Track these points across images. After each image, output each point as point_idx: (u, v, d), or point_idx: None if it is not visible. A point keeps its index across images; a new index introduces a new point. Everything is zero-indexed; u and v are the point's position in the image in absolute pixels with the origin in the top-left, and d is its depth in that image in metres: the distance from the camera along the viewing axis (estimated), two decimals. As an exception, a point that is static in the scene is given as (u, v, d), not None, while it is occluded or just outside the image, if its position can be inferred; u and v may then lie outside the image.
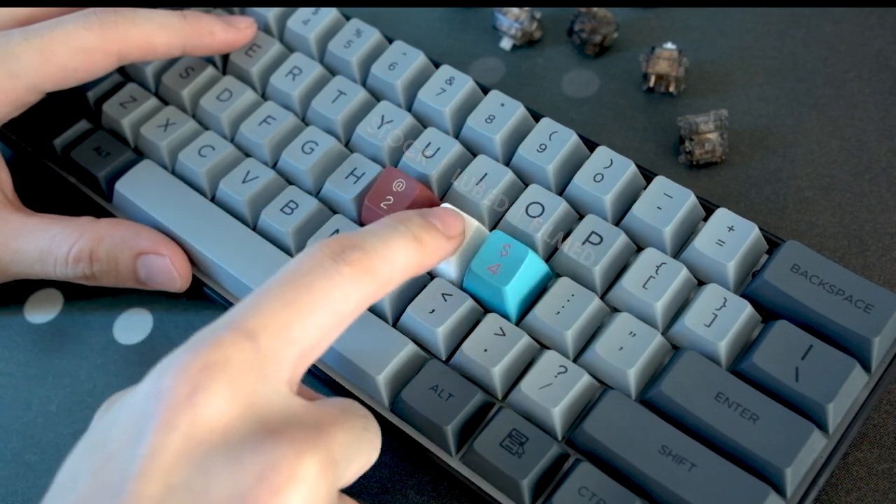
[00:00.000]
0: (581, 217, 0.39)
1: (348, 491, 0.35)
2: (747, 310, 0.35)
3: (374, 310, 0.38)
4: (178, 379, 0.27)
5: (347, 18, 0.47)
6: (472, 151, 0.41)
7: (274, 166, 0.43)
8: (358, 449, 0.30)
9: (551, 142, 0.40)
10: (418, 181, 0.39)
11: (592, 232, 0.38)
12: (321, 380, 0.38)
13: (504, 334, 0.36)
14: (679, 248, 0.38)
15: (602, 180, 0.39)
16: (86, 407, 0.41)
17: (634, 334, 0.35)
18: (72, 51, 0.40)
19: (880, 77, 0.47)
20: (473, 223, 0.37)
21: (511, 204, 0.39)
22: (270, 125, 0.43)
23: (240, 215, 0.41)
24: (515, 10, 0.50)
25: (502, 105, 0.41)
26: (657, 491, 0.32)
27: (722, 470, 0.32)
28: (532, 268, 0.37)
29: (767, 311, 0.36)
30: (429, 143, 0.41)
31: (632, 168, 0.39)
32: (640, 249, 0.38)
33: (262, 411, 0.28)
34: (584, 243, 0.37)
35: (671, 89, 0.47)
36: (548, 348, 0.36)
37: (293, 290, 0.29)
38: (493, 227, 0.39)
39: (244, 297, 0.39)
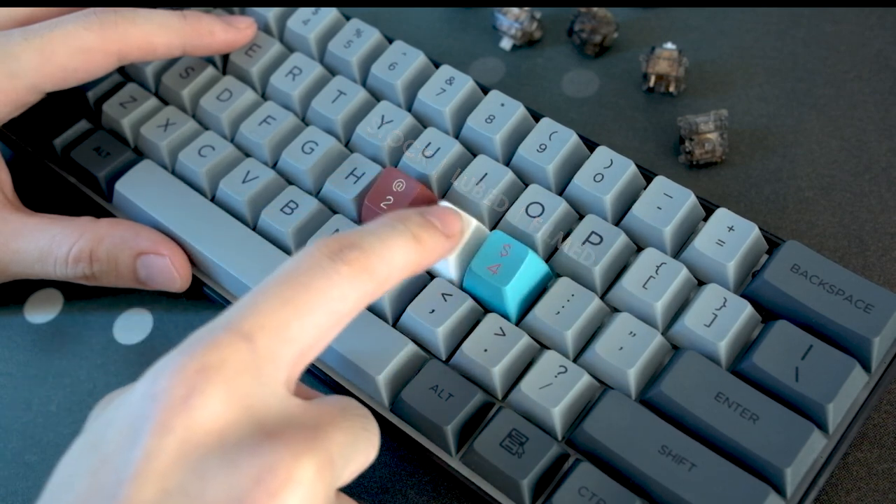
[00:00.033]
0: (581, 217, 0.39)
1: (347, 490, 0.35)
2: (747, 310, 0.35)
3: (374, 310, 0.38)
4: (174, 381, 0.27)
5: (347, 18, 0.47)
6: (472, 151, 0.41)
7: (274, 166, 0.43)
8: (356, 448, 0.29)
9: (551, 142, 0.40)
10: (418, 181, 0.39)
11: (592, 232, 0.38)
12: (321, 380, 0.38)
13: (504, 334, 0.36)
14: (679, 248, 0.38)
15: (602, 180, 0.39)
16: (86, 407, 0.41)
17: (634, 334, 0.35)
18: (72, 51, 0.40)
19: (880, 77, 0.47)
20: (473, 222, 0.37)
21: (511, 204, 0.39)
22: (270, 125, 0.43)
23: (240, 215, 0.41)
24: (515, 10, 0.50)
25: (502, 105, 0.41)
26: (657, 491, 0.32)
27: (722, 470, 0.32)
28: (532, 268, 0.37)
29: (767, 311, 0.36)
30: (429, 143, 0.41)
31: (632, 168, 0.39)
32: (640, 249, 0.38)
33: (258, 413, 0.27)
34: (584, 243, 0.37)
35: (671, 89, 0.47)
36: (548, 348, 0.36)
37: (290, 289, 0.29)
38: (493, 227, 0.39)
39: (242, 295, 0.40)
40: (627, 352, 0.35)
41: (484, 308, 0.38)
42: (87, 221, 0.40)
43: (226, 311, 0.29)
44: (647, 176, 0.40)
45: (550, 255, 0.38)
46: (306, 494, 0.26)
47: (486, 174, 0.40)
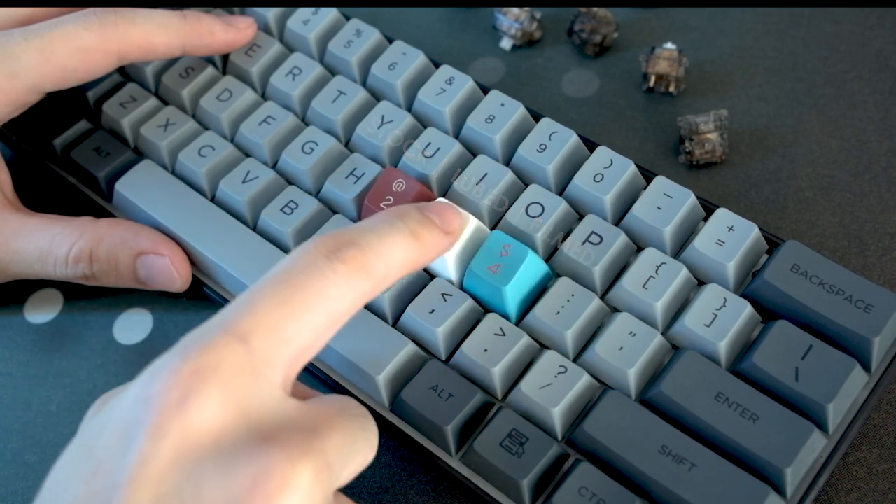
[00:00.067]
0: (581, 217, 0.39)
1: (346, 490, 0.35)
2: (747, 310, 0.35)
3: (374, 310, 0.38)
4: (169, 383, 0.26)
5: (347, 18, 0.47)
6: (472, 151, 0.41)
7: (274, 166, 0.43)
8: (354, 449, 0.29)
9: (551, 142, 0.40)
10: (418, 181, 0.39)
11: (592, 232, 0.38)
12: (321, 380, 0.38)
13: (504, 334, 0.36)
14: (679, 248, 0.38)
15: (602, 180, 0.39)
16: (86, 407, 0.40)
17: (634, 334, 0.35)
18: (72, 51, 0.40)
19: (880, 77, 0.47)
20: (473, 221, 0.37)
21: (511, 204, 0.39)
22: (270, 125, 0.43)
23: (240, 215, 0.41)
24: (515, 10, 0.50)
25: (502, 105, 0.41)
26: (657, 491, 0.32)
27: (722, 470, 0.32)
28: (532, 268, 0.37)
29: (767, 311, 0.36)
30: (429, 143, 0.41)
31: (632, 168, 0.39)
32: (640, 249, 0.38)
33: (254, 416, 0.27)
34: (584, 243, 0.37)
35: (671, 89, 0.47)
36: (548, 348, 0.36)
37: (286, 289, 0.29)
38: (493, 227, 0.39)
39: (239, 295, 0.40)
40: (627, 352, 0.35)
41: (484, 308, 0.38)
42: (87, 221, 0.40)
43: (220, 312, 0.29)
44: (647, 176, 0.40)
45: (550, 255, 0.38)
46: (303, 498, 0.26)
47: (486, 174, 0.40)
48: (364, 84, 0.45)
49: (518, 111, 0.41)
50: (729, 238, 0.37)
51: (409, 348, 0.36)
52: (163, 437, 0.26)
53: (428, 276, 0.38)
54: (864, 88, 0.46)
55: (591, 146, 0.41)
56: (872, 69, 0.47)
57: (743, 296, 0.37)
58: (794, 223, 0.42)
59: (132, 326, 0.43)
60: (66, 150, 0.45)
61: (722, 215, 0.38)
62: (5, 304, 0.44)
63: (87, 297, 0.44)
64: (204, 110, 0.44)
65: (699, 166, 0.45)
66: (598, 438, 0.33)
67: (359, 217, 0.40)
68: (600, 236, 0.37)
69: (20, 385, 0.42)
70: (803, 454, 0.32)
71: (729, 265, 0.37)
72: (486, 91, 0.43)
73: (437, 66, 0.44)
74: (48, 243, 0.40)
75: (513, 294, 0.36)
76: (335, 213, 0.41)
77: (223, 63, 0.46)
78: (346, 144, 0.43)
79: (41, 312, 0.44)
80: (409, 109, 0.43)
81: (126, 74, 0.47)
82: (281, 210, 0.40)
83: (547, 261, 0.38)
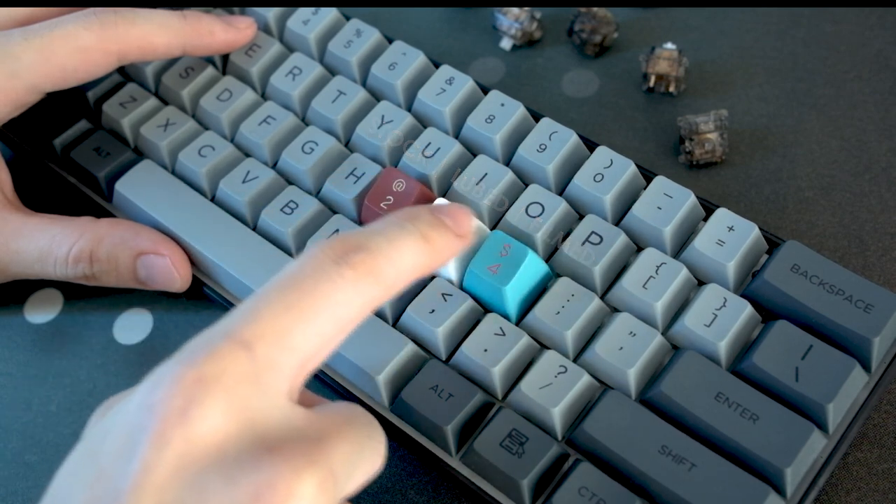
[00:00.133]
0: (581, 217, 0.39)
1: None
2: (747, 310, 0.35)
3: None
4: (172, 391, 0.26)
5: (347, 18, 0.47)
6: (472, 151, 0.41)
7: (274, 166, 0.43)
8: (361, 457, 0.29)
9: (551, 142, 0.40)
10: (418, 181, 0.39)
11: (592, 232, 0.38)
12: (320, 380, 0.38)
13: (504, 334, 0.36)
14: (679, 248, 0.38)
15: (602, 180, 0.39)
16: (86, 407, 0.41)
17: (634, 334, 0.35)
18: (71, 51, 0.40)
19: (880, 77, 0.47)
20: (475, 222, 0.37)
21: (511, 204, 0.39)
22: (270, 125, 0.43)
23: (240, 215, 0.41)
24: (515, 10, 0.50)
25: (502, 105, 0.41)
26: (657, 491, 0.32)
27: (722, 470, 0.32)
28: (532, 268, 0.37)
29: (767, 311, 0.36)
30: (429, 143, 0.41)
31: (632, 168, 0.39)
32: (640, 249, 0.38)
33: (259, 425, 0.27)
34: (584, 243, 0.37)
35: (671, 89, 0.47)
36: (548, 348, 0.36)
37: (292, 294, 0.28)
38: (493, 227, 0.39)
39: (244, 299, 0.40)
40: (627, 352, 0.35)
41: (484, 308, 0.38)
42: (87, 221, 0.40)
43: (225, 318, 0.28)
44: (647, 176, 0.40)
45: (550, 255, 0.38)
46: None
47: (486, 174, 0.40)
48: (364, 84, 0.45)
49: (518, 111, 0.41)
50: (729, 238, 0.37)
51: (409, 348, 0.36)
52: (165, 446, 0.25)
53: (428, 276, 0.38)
54: (864, 88, 0.46)
55: (591, 146, 0.41)
56: (872, 69, 0.47)
57: (743, 296, 0.37)
58: (794, 223, 0.42)
59: (132, 326, 0.43)
60: (66, 150, 0.45)
61: (722, 215, 0.38)
62: (5, 304, 0.44)
63: (87, 297, 0.44)
64: (204, 110, 0.44)
65: (699, 166, 0.45)
66: (598, 438, 0.33)
67: (359, 217, 0.40)
68: (600, 236, 0.37)
69: (20, 385, 0.42)
70: (803, 454, 0.32)
71: (729, 265, 0.37)
72: (486, 91, 0.43)
73: (437, 66, 0.44)
74: (48, 243, 0.40)
75: (513, 294, 0.36)
76: (335, 213, 0.41)
77: (223, 63, 0.46)
78: (346, 144, 0.43)
79: (41, 312, 0.44)
80: (409, 109, 0.43)
81: (126, 74, 0.47)
82: (281, 210, 0.40)
83: (547, 261, 0.38)
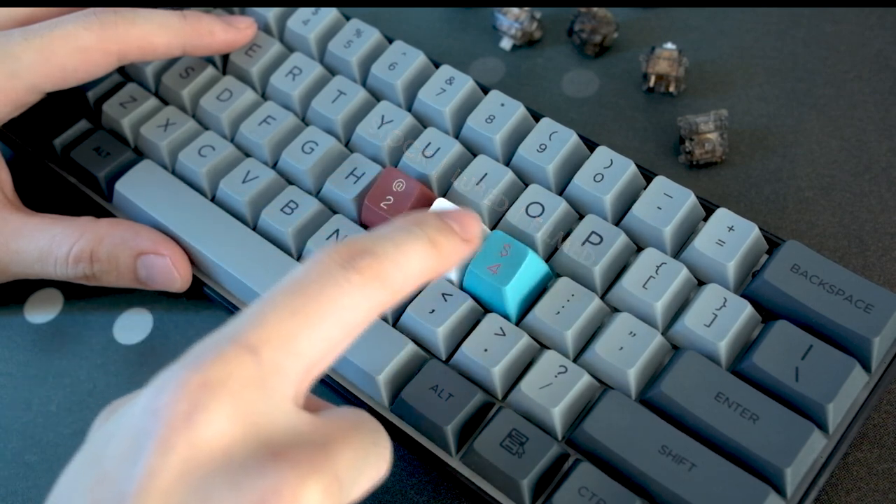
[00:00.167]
0: (581, 217, 0.39)
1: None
2: (747, 310, 0.35)
3: (374, 310, 0.38)
4: (177, 395, 0.26)
5: (347, 18, 0.47)
6: (472, 151, 0.41)
7: (274, 166, 0.43)
8: (366, 463, 0.28)
9: (551, 142, 0.40)
10: (418, 181, 0.39)
11: (592, 232, 0.38)
12: (321, 381, 0.38)
13: (504, 334, 0.36)
14: (679, 248, 0.38)
15: (602, 180, 0.39)
16: (85, 407, 0.41)
17: (634, 334, 0.35)
18: (71, 51, 0.40)
19: (880, 77, 0.47)
20: (482, 227, 0.37)
21: (511, 204, 0.39)
22: (270, 125, 0.43)
23: (240, 215, 0.41)
24: (515, 10, 0.50)
25: (502, 105, 0.41)
26: (657, 491, 0.32)
27: (722, 470, 0.32)
28: (532, 268, 0.37)
29: (767, 311, 0.36)
30: (429, 143, 0.41)
31: (632, 168, 0.39)
32: (640, 249, 0.38)
33: (264, 431, 0.26)
34: (584, 243, 0.37)
35: (671, 89, 0.47)
36: (548, 348, 0.36)
37: (299, 299, 0.28)
38: (493, 227, 0.39)
39: (244, 299, 0.40)
40: (627, 352, 0.35)
41: (484, 308, 0.38)
42: (88, 221, 0.40)
43: (231, 322, 0.28)
44: (647, 176, 0.40)
45: (550, 255, 0.38)
46: None
47: (486, 174, 0.40)
48: (364, 84, 0.45)
49: (518, 111, 0.41)
50: (729, 238, 0.37)
51: (409, 348, 0.36)
52: (170, 451, 0.25)
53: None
54: (864, 88, 0.46)
55: (591, 146, 0.41)
56: (872, 69, 0.47)
57: (743, 296, 0.37)
58: (794, 223, 0.42)
59: (132, 326, 0.43)
60: (66, 150, 0.45)
61: (722, 215, 0.38)
62: (5, 304, 0.44)
63: (87, 297, 0.44)
64: (204, 110, 0.44)
65: (699, 166, 0.45)
66: (598, 438, 0.33)
67: (359, 217, 0.40)
68: (600, 236, 0.37)
69: (20, 385, 0.42)
70: (803, 454, 0.32)
71: (729, 265, 0.37)
72: (486, 91, 0.43)
73: (437, 66, 0.44)
74: (48, 243, 0.40)
75: (513, 294, 0.36)
76: (335, 213, 0.41)
77: (223, 63, 0.46)
78: (346, 144, 0.43)
79: (41, 312, 0.44)
80: (409, 109, 0.43)
81: (126, 74, 0.47)
82: (281, 210, 0.40)
83: (547, 261, 0.38)
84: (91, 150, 0.44)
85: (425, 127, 0.42)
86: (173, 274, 0.40)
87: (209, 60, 0.46)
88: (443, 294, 0.37)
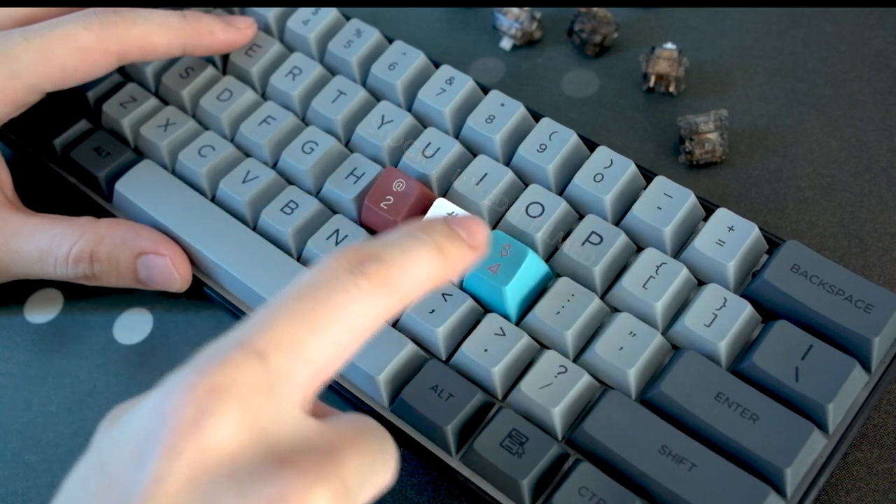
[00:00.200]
0: (581, 217, 0.39)
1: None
2: (747, 310, 0.35)
3: (374, 310, 0.38)
4: (184, 400, 0.26)
5: (347, 18, 0.47)
6: (472, 151, 0.41)
7: (274, 166, 0.43)
8: (373, 470, 0.28)
9: (551, 142, 0.40)
10: (418, 181, 0.39)
11: (592, 232, 0.38)
12: (321, 380, 0.38)
13: (504, 334, 0.36)
14: (679, 248, 0.38)
15: (602, 180, 0.39)
16: (85, 407, 0.41)
17: (634, 334, 0.35)
18: (71, 51, 0.40)
19: (880, 77, 0.47)
20: (489, 233, 0.37)
21: (511, 204, 0.39)
22: (270, 125, 0.43)
23: (240, 215, 0.41)
24: (515, 10, 0.50)
25: (502, 105, 0.41)
26: (657, 491, 0.32)
27: (722, 470, 0.32)
28: (532, 268, 0.37)
29: (767, 311, 0.36)
30: (429, 143, 0.41)
31: (632, 168, 0.39)
32: (640, 249, 0.38)
33: (271, 437, 0.26)
34: (584, 243, 0.37)
35: (671, 89, 0.47)
36: (548, 348, 0.36)
37: (307, 304, 0.28)
38: (493, 227, 0.39)
39: (249, 302, 0.40)
40: (627, 352, 0.35)
41: (484, 308, 0.38)
42: (88, 221, 0.40)
43: (239, 327, 0.28)
44: (647, 176, 0.40)
45: (550, 255, 0.38)
46: None
47: (486, 174, 0.40)
48: (364, 84, 0.45)
49: (518, 111, 0.41)
50: (729, 238, 0.37)
51: (409, 348, 0.36)
52: (177, 456, 0.25)
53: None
54: (864, 88, 0.46)
55: (591, 146, 0.41)
56: (872, 69, 0.47)
57: (743, 296, 0.37)
58: (794, 223, 0.42)
59: (132, 326, 0.43)
60: (66, 150, 0.45)
61: (722, 215, 0.38)
62: (5, 304, 0.44)
63: (87, 297, 0.44)
64: (204, 110, 0.44)
65: (699, 166, 0.45)
66: (598, 438, 0.33)
67: (359, 217, 0.40)
68: (600, 236, 0.37)
69: (20, 385, 0.42)
70: (803, 454, 0.32)
71: (729, 265, 0.37)
72: (486, 91, 0.43)
73: (437, 66, 0.44)
74: (48, 243, 0.40)
75: (513, 294, 0.36)
76: (335, 213, 0.41)
77: (223, 63, 0.46)
78: (346, 144, 0.43)
79: (41, 312, 0.44)
80: (409, 109, 0.43)
81: (126, 74, 0.47)
82: (281, 210, 0.40)
83: (547, 261, 0.38)
84: (91, 150, 0.44)
85: (425, 127, 0.42)
86: (173, 274, 0.40)
87: (209, 60, 0.46)
88: (443, 294, 0.37)
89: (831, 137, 0.45)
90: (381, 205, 0.39)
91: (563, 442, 0.35)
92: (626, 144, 0.46)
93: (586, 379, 0.35)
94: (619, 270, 0.38)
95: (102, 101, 0.46)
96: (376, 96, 0.44)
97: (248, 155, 0.43)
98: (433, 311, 0.37)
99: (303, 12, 0.46)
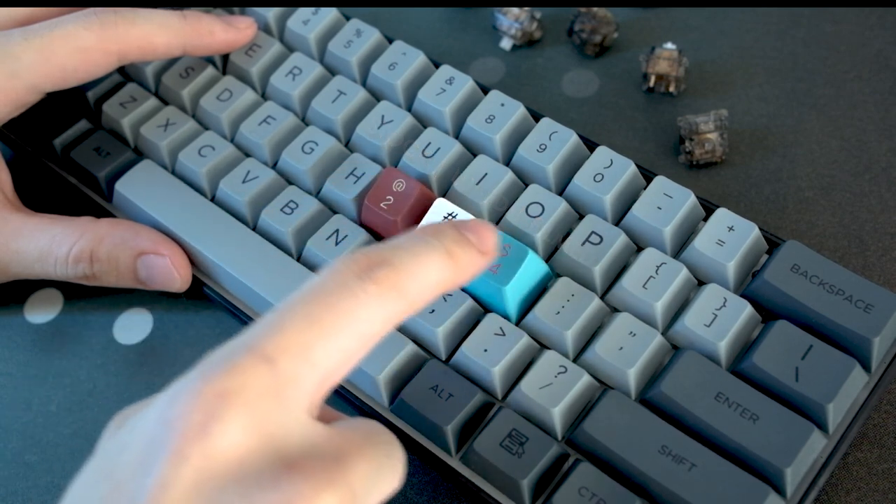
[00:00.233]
0: (581, 217, 0.39)
1: None
2: (747, 310, 0.35)
3: (374, 310, 0.38)
4: (191, 406, 0.25)
5: (347, 18, 0.47)
6: (472, 151, 0.41)
7: (274, 166, 0.43)
8: (380, 476, 0.28)
9: (551, 142, 0.40)
10: (418, 181, 0.39)
11: (592, 232, 0.38)
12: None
13: (504, 334, 0.36)
14: (679, 248, 0.38)
15: (602, 180, 0.39)
16: (85, 407, 0.41)
17: (634, 334, 0.35)
18: (71, 51, 0.40)
19: (880, 77, 0.47)
20: (499, 238, 0.37)
21: (511, 204, 0.39)
22: (270, 125, 0.43)
23: (240, 215, 0.41)
24: (515, 10, 0.50)
25: (502, 105, 0.41)
26: (657, 491, 0.32)
27: (722, 470, 0.32)
28: (532, 268, 0.37)
29: (767, 311, 0.36)
30: (429, 143, 0.41)
31: (632, 168, 0.39)
32: (640, 249, 0.38)
33: (279, 442, 0.26)
34: (584, 243, 0.37)
35: (671, 89, 0.47)
36: (548, 348, 0.36)
37: (315, 309, 0.28)
38: (493, 227, 0.39)
39: (249, 303, 0.40)
40: (627, 352, 0.35)
41: (484, 308, 0.38)
42: (88, 221, 0.40)
43: (247, 331, 0.28)
44: (647, 176, 0.40)
45: (550, 255, 0.38)
46: None
47: (486, 174, 0.40)
48: (364, 84, 0.45)
49: (518, 111, 0.41)
50: (729, 238, 0.37)
51: (409, 348, 0.36)
52: (184, 462, 0.25)
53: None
54: (864, 88, 0.46)
55: (591, 146, 0.41)
56: (872, 69, 0.47)
57: (743, 296, 0.37)
58: (794, 223, 0.42)
59: (132, 326, 0.43)
60: (66, 150, 0.45)
61: (722, 215, 0.38)
62: (5, 304, 0.44)
63: (87, 297, 0.44)
64: (204, 110, 0.44)
65: (699, 166, 0.45)
66: (598, 438, 0.33)
67: (359, 217, 0.40)
68: (600, 236, 0.37)
69: (20, 385, 0.42)
70: (803, 454, 0.32)
71: (729, 265, 0.37)
72: (486, 91, 0.43)
73: (437, 66, 0.44)
74: (48, 243, 0.40)
75: (513, 294, 0.36)
76: (335, 213, 0.41)
77: (223, 63, 0.46)
78: (346, 144, 0.43)
79: (41, 312, 0.44)
80: (409, 109, 0.43)
81: (126, 74, 0.47)
82: (281, 210, 0.40)
83: (547, 261, 0.38)
84: (91, 150, 0.44)
85: (425, 127, 0.42)
86: (173, 274, 0.40)
87: (209, 60, 0.46)
88: (442, 294, 0.37)
89: (831, 137, 0.45)
90: (381, 205, 0.39)
91: (562, 442, 0.35)
92: (626, 144, 0.46)
93: (586, 379, 0.35)
94: (619, 270, 0.38)
95: (102, 101, 0.46)
96: (376, 96, 0.44)
97: (248, 155, 0.43)
98: (433, 311, 0.37)
99: (303, 12, 0.46)
